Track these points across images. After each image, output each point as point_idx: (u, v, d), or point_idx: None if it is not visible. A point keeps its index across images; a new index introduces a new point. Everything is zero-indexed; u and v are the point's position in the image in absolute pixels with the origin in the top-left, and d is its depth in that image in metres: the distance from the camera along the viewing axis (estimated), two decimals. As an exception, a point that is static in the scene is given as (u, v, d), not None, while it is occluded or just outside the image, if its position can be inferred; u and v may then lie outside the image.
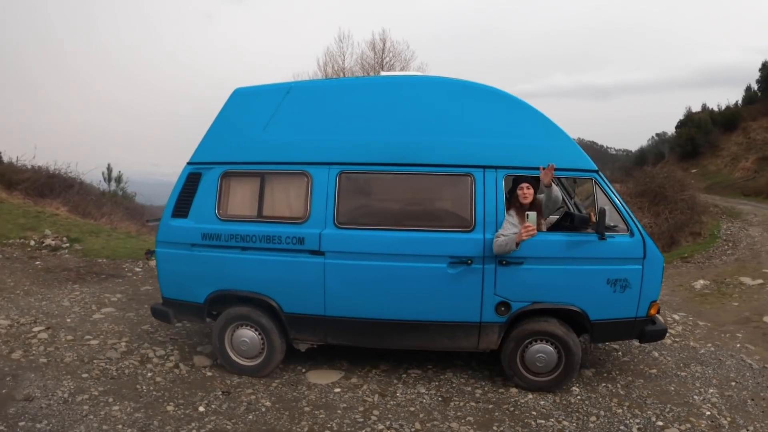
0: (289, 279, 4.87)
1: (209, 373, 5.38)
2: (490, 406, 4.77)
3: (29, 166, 16.86)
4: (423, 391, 5.06)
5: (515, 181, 4.85)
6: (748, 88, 43.22)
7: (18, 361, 5.54)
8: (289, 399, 4.85)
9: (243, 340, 5.09)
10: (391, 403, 4.81)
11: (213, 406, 4.71)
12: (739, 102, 42.85)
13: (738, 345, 6.92)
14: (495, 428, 4.42)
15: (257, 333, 5.10)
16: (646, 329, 4.93)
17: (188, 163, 5.15)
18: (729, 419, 4.70)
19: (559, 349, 4.88)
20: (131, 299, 8.12)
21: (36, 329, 6.53)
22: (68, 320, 6.98)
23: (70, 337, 6.30)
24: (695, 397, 5.12)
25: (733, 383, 5.52)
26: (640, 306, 4.80)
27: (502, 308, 4.76)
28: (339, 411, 4.63)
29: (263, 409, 4.68)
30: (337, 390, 5.02)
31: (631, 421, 4.57)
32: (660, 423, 4.57)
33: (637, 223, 4.81)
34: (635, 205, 16.25)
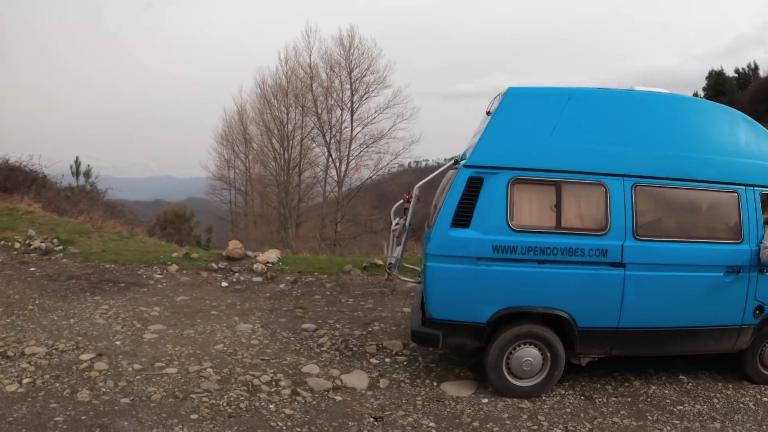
0: (587, 292, 4.74)
1: (338, 398, 4.78)
2: (629, 399, 4.95)
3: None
4: (562, 392, 5.04)
5: None
6: (695, 96, 45.65)
7: (92, 405, 4.44)
8: (448, 416, 4.53)
9: (526, 360, 4.80)
10: (545, 407, 4.75)
11: (378, 437, 4.02)
12: (686, 109, 45.08)
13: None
14: (650, 418, 4.62)
15: (540, 351, 4.85)
16: None
17: (465, 166, 4.73)
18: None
19: None
20: (176, 313, 7.01)
21: (85, 357, 5.39)
22: (117, 343, 5.85)
23: (137, 366, 5.22)
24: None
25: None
26: None
27: (757, 311, 5.07)
28: (508, 422, 4.45)
29: (432, 431, 4.26)
30: (485, 400, 4.81)
31: (745, 399, 5.04)
32: (765, 399, 5.08)
33: None
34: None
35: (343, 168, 28.50)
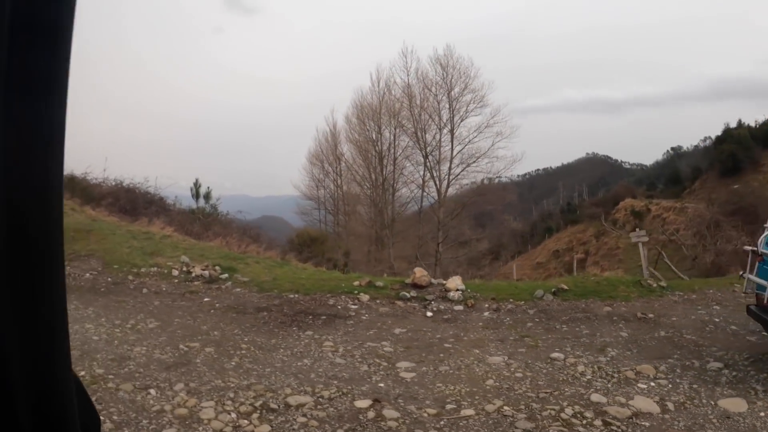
0: None
1: (645, 423, 4.60)
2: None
3: (110, 181, 14.83)
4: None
5: None
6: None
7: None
8: (747, 430, 4.58)
9: None
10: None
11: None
12: (776, 117, 43.00)
13: None
14: None
15: None
16: None
17: None
18: None
19: None
20: (409, 348, 6.53)
21: (362, 404, 4.79)
22: (381, 385, 5.37)
23: (430, 411, 4.76)
24: None
25: None
26: None
27: None
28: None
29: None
30: (762, 414, 4.85)
31: None
32: None
33: None
34: (730, 224, 16.34)
35: (443, 188, 27.81)
